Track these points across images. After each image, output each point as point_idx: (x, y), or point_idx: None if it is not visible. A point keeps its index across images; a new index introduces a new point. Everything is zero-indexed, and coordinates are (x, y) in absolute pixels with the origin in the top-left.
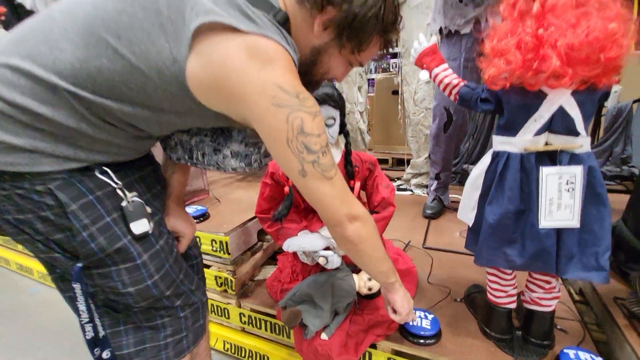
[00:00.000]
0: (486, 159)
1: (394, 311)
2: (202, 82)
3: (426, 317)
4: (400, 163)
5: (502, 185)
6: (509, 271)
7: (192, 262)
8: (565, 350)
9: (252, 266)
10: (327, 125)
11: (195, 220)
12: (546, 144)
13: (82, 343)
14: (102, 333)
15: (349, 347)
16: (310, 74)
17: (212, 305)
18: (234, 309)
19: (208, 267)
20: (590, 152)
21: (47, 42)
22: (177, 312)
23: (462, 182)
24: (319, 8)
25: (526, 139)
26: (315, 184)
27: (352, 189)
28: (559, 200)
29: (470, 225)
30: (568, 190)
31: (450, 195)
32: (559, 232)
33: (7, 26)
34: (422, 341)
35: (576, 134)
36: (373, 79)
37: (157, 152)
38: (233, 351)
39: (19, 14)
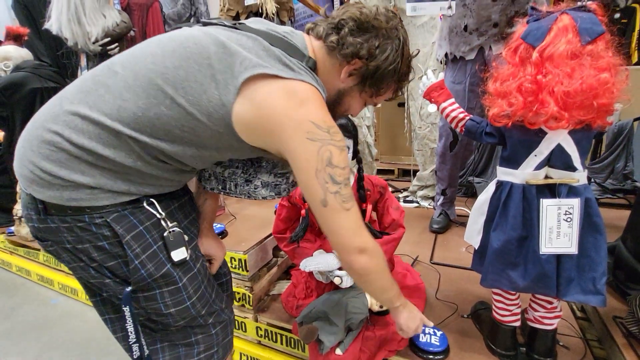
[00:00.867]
0: (491, 188)
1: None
2: (246, 120)
3: (435, 334)
4: (406, 174)
5: (506, 213)
6: (513, 292)
7: (222, 280)
8: None
9: (267, 281)
10: None
11: None
12: (546, 176)
13: (107, 354)
14: (146, 352)
15: None
16: (332, 111)
17: None
18: (251, 323)
19: None
20: (587, 184)
21: (112, 93)
22: (210, 329)
23: (467, 194)
24: (348, 60)
25: (527, 172)
26: (333, 214)
27: (364, 211)
28: (558, 229)
29: (476, 248)
30: (566, 220)
31: (456, 208)
32: (559, 257)
33: (30, 46)
34: (431, 357)
35: (573, 169)
36: None
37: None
38: None
39: (41, 36)
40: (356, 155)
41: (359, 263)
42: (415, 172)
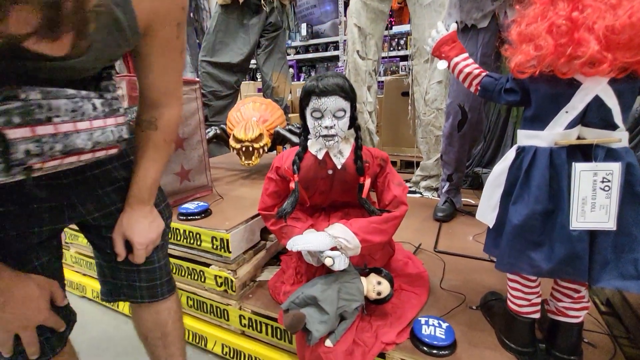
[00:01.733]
0: (510, 155)
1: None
2: None
3: (440, 326)
4: (409, 165)
5: (529, 183)
6: (534, 278)
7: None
8: None
9: (254, 266)
10: (337, 118)
11: (197, 217)
12: (578, 138)
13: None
14: None
15: (355, 355)
16: None
17: (211, 306)
18: (234, 311)
19: (208, 265)
20: (628, 147)
21: None
22: None
23: (473, 186)
24: None
25: (556, 133)
26: None
27: (362, 186)
28: (593, 200)
29: (491, 227)
30: (604, 189)
31: (462, 199)
32: (592, 235)
33: None
34: (435, 352)
35: (613, 127)
36: (382, 82)
37: None
38: (232, 355)
39: None
40: (354, 122)
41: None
42: (418, 163)
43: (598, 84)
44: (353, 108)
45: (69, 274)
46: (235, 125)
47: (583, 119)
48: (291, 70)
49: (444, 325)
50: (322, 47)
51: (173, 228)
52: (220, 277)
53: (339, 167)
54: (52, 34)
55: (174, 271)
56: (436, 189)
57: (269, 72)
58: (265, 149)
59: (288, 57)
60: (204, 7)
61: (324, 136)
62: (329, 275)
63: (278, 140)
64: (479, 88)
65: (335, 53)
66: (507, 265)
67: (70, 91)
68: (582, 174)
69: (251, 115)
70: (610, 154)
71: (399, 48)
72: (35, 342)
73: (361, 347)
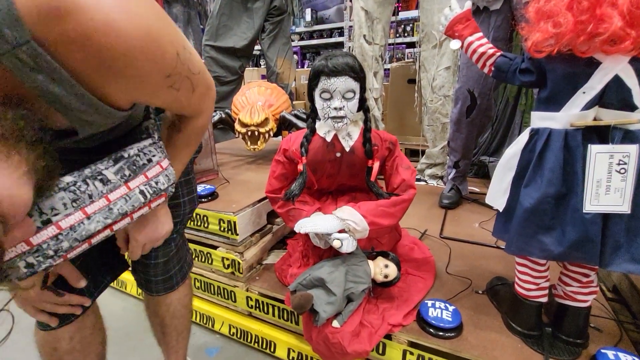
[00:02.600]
0: (523, 137)
1: None
2: None
3: (447, 309)
4: (414, 154)
5: (542, 166)
6: (543, 261)
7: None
8: (602, 351)
9: (260, 249)
10: (346, 99)
11: (203, 200)
12: (594, 119)
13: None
14: None
15: (362, 336)
16: None
17: (218, 287)
18: (241, 292)
19: (215, 247)
20: None
21: None
22: None
23: (478, 174)
24: None
25: (572, 114)
26: None
27: (370, 168)
28: (608, 183)
29: (501, 211)
30: (619, 172)
31: (468, 187)
32: (605, 219)
33: None
34: (441, 333)
35: (632, 107)
36: (388, 69)
37: None
38: (239, 336)
39: None
40: (363, 104)
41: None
42: (423, 152)
43: (618, 63)
44: (362, 89)
45: None
46: (240, 110)
47: (601, 100)
48: (295, 56)
49: (450, 308)
50: (326, 34)
51: None
52: (227, 259)
53: (347, 149)
54: None
55: None
56: (441, 177)
57: (274, 58)
58: (271, 133)
59: (292, 43)
60: None
61: (333, 118)
62: (336, 257)
63: (284, 125)
64: (492, 69)
65: (340, 39)
66: (516, 249)
67: (68, 179)
68: (598, 156)
69: (256, 99)
70: (628, 136)
71: (405, 34)
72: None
73: (368, 329)
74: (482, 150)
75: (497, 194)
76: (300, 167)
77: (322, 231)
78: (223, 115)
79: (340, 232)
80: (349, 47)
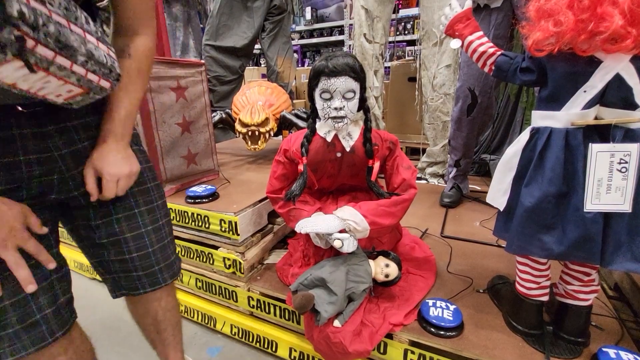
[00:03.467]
0: (523, 137)
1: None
2: None
3: (447, 308)
4: (415, 152)
5: (542, 165)
6: (544, 260)
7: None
8: (604, 349)
9: (261, 249)
10: (347, 99)
11: (204, 200)
12: (595, 118)
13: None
14: None
15: (363, 336)
16: None
17: (219, 287)
18: (243, 292)
19: (216, 248)
20: None
21: None
22: None
23: (479, 172)
24: None
25: (573, 113)
26: None
27: (371, 168)
28: (609, 182)
29: (501, 210)
30: (620, 170)
31: (469, 185)
32: (606, 218)
33: None
34: (442, 333)
35: (634, 106)
36: (388, 67)
37: None
38: (240, 335)
39: None
40: (363, 104)
41: None
42: (424, 150)
43: (619, 62)
44: (362, 89)
45: (80, 257)
46: (240, 110)
47: (602, 99)
48: (295, 55)
49: (452, 307)
50: (327, 32)
51: (181, 211)
52: (228, 259)
53: (347, 149)
54: None
55: (182, 254)
56: (442, 176)
57: (274, 57)
58: (272, 133)
59: (292, 42)
60: None
61: (333, 118)
62: (337, 257)
63: (284, 124)
64: (493, 68)
65: (341, 38)
66: (517, 248)
67: None
68: (599, 155)
69: (257, 99)
70: (629, 135)
71: (406, 32)
72: (23, 264)
73: (369, 328)
74: (483, 148)
75: (498, 193)
76: (300, 167)
77: (322, 231)
78: (223, 115)
79: (341, 232)
80: (349, 45)
